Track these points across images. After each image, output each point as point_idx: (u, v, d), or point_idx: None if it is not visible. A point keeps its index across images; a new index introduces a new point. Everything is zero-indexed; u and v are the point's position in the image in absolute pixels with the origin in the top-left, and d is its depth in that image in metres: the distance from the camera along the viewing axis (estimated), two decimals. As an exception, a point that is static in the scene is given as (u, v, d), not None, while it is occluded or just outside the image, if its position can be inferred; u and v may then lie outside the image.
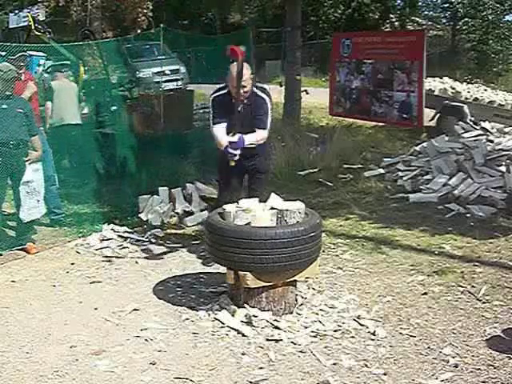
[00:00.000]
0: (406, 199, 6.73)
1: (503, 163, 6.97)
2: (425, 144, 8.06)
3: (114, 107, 8.75)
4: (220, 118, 4.65)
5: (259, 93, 4.66)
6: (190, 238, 5.80)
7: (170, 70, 14.85)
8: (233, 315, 3.82)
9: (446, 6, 25.40)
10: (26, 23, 7.81)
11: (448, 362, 3.30)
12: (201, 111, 13.58)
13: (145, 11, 21.18)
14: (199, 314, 3.96)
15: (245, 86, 4.49)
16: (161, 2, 23.27)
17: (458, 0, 22.93)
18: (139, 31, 20.48)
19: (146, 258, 5.28)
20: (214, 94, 4.75)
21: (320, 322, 3.81)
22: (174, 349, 3.54)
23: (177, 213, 6.40)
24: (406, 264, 4.85)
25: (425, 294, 4.24)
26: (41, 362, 3.41)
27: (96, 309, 4.15)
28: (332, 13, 24.13)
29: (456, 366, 3.25)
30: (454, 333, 3.63)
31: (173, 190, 6.68)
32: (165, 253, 5.39)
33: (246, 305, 3.85)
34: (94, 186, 7.11)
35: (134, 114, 8.97)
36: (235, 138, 4.50)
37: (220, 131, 4.62)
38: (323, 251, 4.84)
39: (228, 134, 4.58)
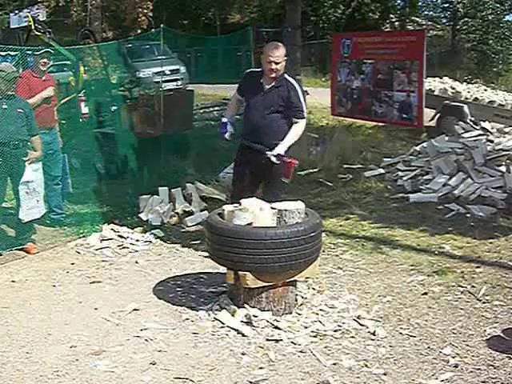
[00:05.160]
0: (406, 199, 6.73)
1: (503, 163, 6.96)
2: (425, 144, 8.06)
3: (114, 107, 8.75)
4: (240, 91, 4.78)
5: (289, 78, 4.66)
6: (189, 238, 5.80)
7: (170, 70, 14.88)
8: (233, 315, 3.83)
9: (446, 5, 25.41)
10: (26, 23, 7.80)
11: (448, 361, 3.30)
12: (201, 111, 13.59)
13: (145, 11, 21.20)
14: (199, 314, 3.96)
15: (277, 63, 4.48)
16: (161, 2, 23.27)
17: (458, 0, 22.91)
18: (139, 31, 20.50)
19: (146, 258, 5.28)
20: (250, 69, 4.95)
21: (320, 322, 3.81)
22: (174, 349, 3.54)
23: (177, 213, 6.40)
24: (405, 264, 4.85)
25: (425, 294, 4.24)
26: (41, 362, 3.41)
27: (96, 309, 4.15)
28: (332, 13, 24.12)
29: (456, 366, 3.25)
30: (454, 333, 3.63)
31: (173, 190, 6.69)
32: (165, 253, 5.39)
33: (245, 305, 3.85)
34: (94, 186, 7.11)
35: (133, 113, 8.95)
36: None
37: (230, 104, 4.88)
38: (323, 251, 4.84)
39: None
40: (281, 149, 4.50)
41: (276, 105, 4.57)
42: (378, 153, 9.09)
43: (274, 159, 4.47)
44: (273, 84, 4.57)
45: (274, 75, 4.52)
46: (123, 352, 3.51)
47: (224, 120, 4.72)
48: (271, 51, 4.49)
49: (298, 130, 4.62)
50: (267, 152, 4.49)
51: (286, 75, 4.62)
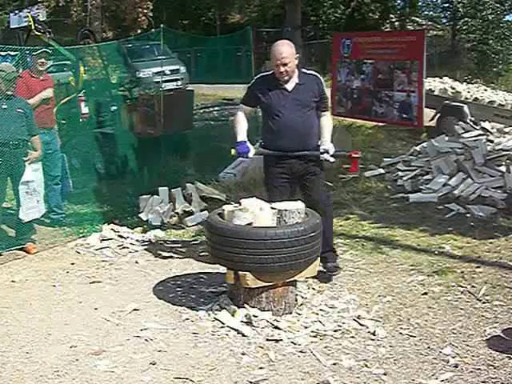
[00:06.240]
0: (406, 199, 6.72)
1: (503, 163, 6.96)
2: (425, 144, 8.05)
3: (114, 107, 8.75)
4: (251, 100, 4.45)
5: (308, 71, 4.44)
6: (190, 238, 5.80)
7: (170, 70, 14.90)
8: (233, 315, 3.83)
9: (446, 5, 25.41)
10: (26, 23, 7.82)
11: (448, 362, 3.30)
12: (201, 111, 13.60)
13: (145, 11, 21.24)
14: (199, 314, 3.96)
15: (285, 64, 4.16)
16: (161, 2, 23.29)
17: (458, 0, 22.91)
18: (139, 31, 20.53)
19: (146, 258, 5.28)
20: (260, 74, 4.51)
21: (320, 322, 3.81)
22: (174, 349, 3.54)
23: (177, 213, 6.40)
24: (405, 264, 4.85)
25: (425, 294, 4.24)
26: (41, 362, 3.41)
27: (96, 309, 4.15)
28: (332, 13, 24.15)
29: (456, 366, 3.24)
30: (454, 333, 3.63)
31: (173, 190, 6.69)
32: (165, 253, 5.39)
33: (245, 305, 3.85)
34: (94, 186, 7.11)
35: (133, 113, 8.96)
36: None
37: (239, 123, 4.42)
38: (323, 251, 4.84)
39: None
40: (330, 146, 4.34)
41: (309, 101, 4.32)
42: (377, 153, 9.08)
43: (331, 159, 4.33)
44: (296, 82, 4.30)
45: (286, 78, 4.24)
46: (123, 352, 3.51)
47: (241, 139, 4.36)
48: (277, 53, 4.19)
49: (329, 121, 4.49)
50: (322, 155, 4.31)
51: (302, 69, 4.38)
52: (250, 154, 4.39)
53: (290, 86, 4.30)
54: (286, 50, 4.21)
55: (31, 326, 3.89)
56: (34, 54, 5.96)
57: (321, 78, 4.43)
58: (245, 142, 4.37)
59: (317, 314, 3.92)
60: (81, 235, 5.88)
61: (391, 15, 25.94)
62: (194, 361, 3.39)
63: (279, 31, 22.32)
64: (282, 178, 4.39)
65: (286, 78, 4.26)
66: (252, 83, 4.48)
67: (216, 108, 14.44)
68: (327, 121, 4.47)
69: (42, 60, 6.00)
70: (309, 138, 4.35)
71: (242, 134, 4.39)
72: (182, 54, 17.02)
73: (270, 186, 4.48)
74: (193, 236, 5.88)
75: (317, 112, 4.41)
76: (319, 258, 4.11)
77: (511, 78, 21.94)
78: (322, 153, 4.33)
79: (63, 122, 7.45)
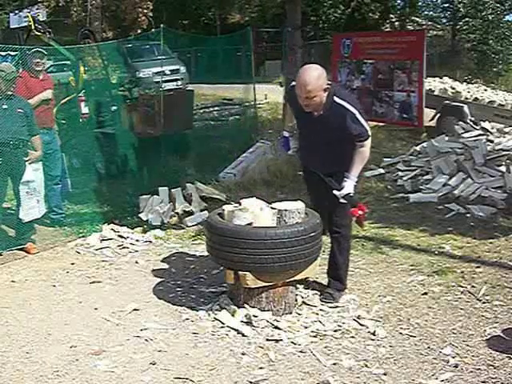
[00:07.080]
0: (406, 199, 6.73)
1: (503, 163, 6.97)
2: (425, 144, 8.06)
3: (114, 107, 8.75)
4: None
5: (339, 101, 3.82)
6: (190, 238, 5.80)
7: (170, 70, 14.91)
8: (233, 315, 3.83)
9: (446, 5, 25.44)
10: (26, 23, 7.82)
11: (448, 362, 3.30)
12: (201, 111, 13.60)
13: (145, 11, 21.28)
14: (199, 314, 3.96)
15: (309, 98, 3.73)
16: (161, 2, 23.30)
17: (459, 0, 22.94)
18: (139, 31, 20.55)
19: (146, 258, 5.28)
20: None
21: (320, 322, 3.81)
22: (174, 349, 3.54)
23: (177, 213, 6.40)
24: (406, 264, 4.85)
25: (425, 294, 4.24)
26: (41, 362, 3.41)
27: (96, 309, 4.15)
28: (332, 13, 24.18)
29: (456, 366, 3.25)
30: (454, 333, 3.64)
31: (173, 190, 6.69)
32: (165, 253, 5.39)
33: (245, 305, 3.85)
34: (94, 186, 7.11)
35: (133, 114, 8.96)
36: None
37: (288, 113, 4.43)
38: (323, 251, 4.83)
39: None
40: (349, 187, 3.89)
41: (329, 135, 3.90)
42: (377, 153, 9.07)
43: (342, 200, 3.92)
44: (321, 112, 3.88)
45: (309, 110, 3.85)
46: (123, 352, 3.51)
47: (285, 135, 4.33)
48: (303, 83, 3.69)
49: (362, 156, 3.91)
50: (334, 191, 3.92)
51: (334, 97, 3.81)
52: (289, 152, 4.44)
53: (315, 113, 3.92)
54: (313, 81, 3.68)
55: (31, 325, 3.89)
56: (27, 53, 5.94)
57: (352, 111, 3.80)
58: (287, 138, 4.37)
59: (317, 314, 3.93)
60: (81, 235, 5.88)
61: (391, 15, 25.97)
62: (193, 361, 3.39)
63: (279, 31, 22.35)
64: (311, 179, 4.27)
65: (309, 110, 3.86)
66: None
67: (216, 108, 14.45)
68: (359, 156, 3.89)
69: (37, 60, 5.98)
70: (329, 166, 4.03)
71: (286, 130, 4.40)
72: (182, 53, 17.03)
73: (305, 182, 4.47)
74: (193, 236, 5.87)
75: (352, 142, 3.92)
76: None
77: (511, 78, 21.98)
78: (335, 188, 3.96)
79: (63, 122, 7.44)
